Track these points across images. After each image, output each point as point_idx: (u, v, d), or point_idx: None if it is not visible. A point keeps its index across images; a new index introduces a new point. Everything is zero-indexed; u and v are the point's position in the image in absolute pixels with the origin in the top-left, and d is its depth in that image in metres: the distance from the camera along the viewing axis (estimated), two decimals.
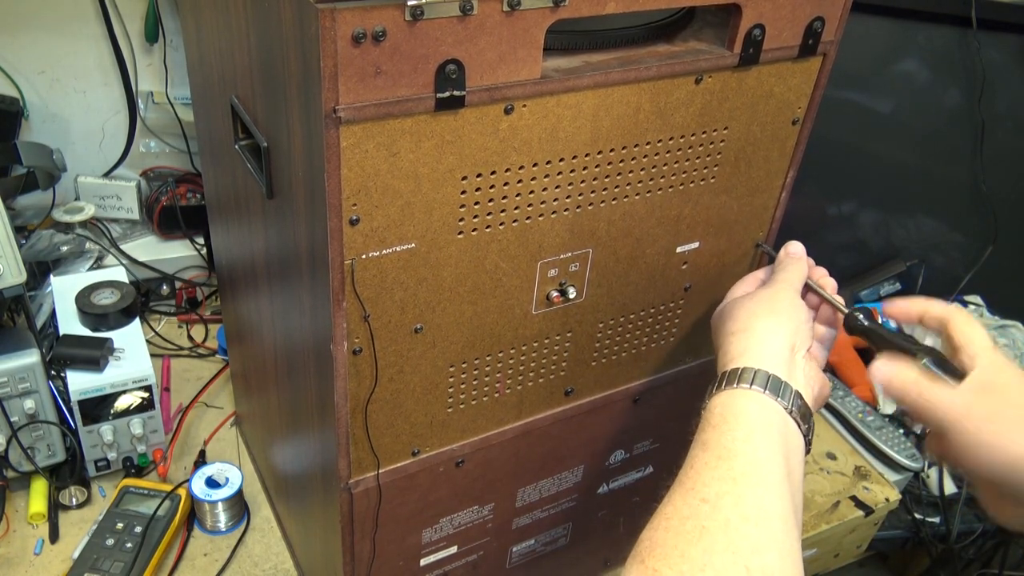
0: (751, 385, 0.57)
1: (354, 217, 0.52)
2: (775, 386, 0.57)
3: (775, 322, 0.61)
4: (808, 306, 0.67)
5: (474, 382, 0.66)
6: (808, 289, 0.67)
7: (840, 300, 0.66)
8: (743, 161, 0.68)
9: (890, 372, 0.60)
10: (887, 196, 1.32)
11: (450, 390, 0.65)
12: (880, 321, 0.65)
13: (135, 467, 0.96)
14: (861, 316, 0.64)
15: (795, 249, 0.69)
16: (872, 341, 0.64)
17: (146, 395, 0.93)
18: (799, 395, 0.58)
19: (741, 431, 0.54)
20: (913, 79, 1.24)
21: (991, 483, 0.59)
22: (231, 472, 0.93)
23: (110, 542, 0.86)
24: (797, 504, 0.53)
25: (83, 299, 0.98)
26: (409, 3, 0.46)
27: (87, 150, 1.26)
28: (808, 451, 0.58)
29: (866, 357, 1.25)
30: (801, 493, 0.55)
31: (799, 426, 0.57)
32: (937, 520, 1.12)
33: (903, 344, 0.61)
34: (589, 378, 0.73)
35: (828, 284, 0.67)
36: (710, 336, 0.68)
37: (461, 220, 0.57)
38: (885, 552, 1.22)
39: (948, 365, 0.59)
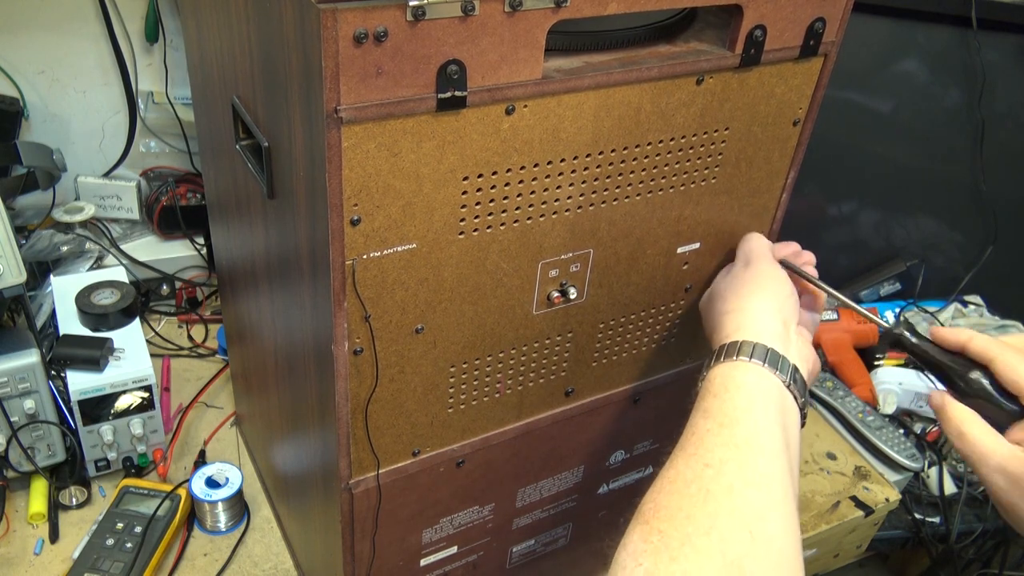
0: (751, 358, 0.57)
1: (355, 217, 0.52)
2: (773, 359, 0.57)
3: (763, 297, 0.62)
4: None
5: (474, 382, 0.66)
6: (795, 274, 0.68)
7: (829, 289, 0.67)
8: (744, 162, 0.68)
9: (942, 401, 0.59)
10: (887, 196, 1.33)
11: (450, 390, 0.65)
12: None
13: (135, 467, 0.96)
14: (907, 333, 0.62)
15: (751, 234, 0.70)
16: (919, 357, 0.62)
17: (146, 395, 0.93)
18: (796, 369, 0.58)
19: (742, 400, 0.55)
20: (913, 79, 1.24)
21: None
22: (231, 472, 0.93)
23: (110, 542, 0.86)
24: (795, 474, 0.54)
25: (83, 299, 0.98)
26: (411, 3, 0.46)
27: (87, 150, 1.26)
28: (803, 424, 0.59)
29: (866, 357, 1.25)
30: (798, 465, 0.56)
31: (796, 399, 0.58)
32: (937, 520, 1.12)
33: (953, 363, 0.59)
34: (589, 378, 0.73)
35: (809, 271, 0.69)
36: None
37: (462, 220, 0.57)
38: (885, 552, 1.22)
39: (1003, 389, 0.57)
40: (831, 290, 0.66)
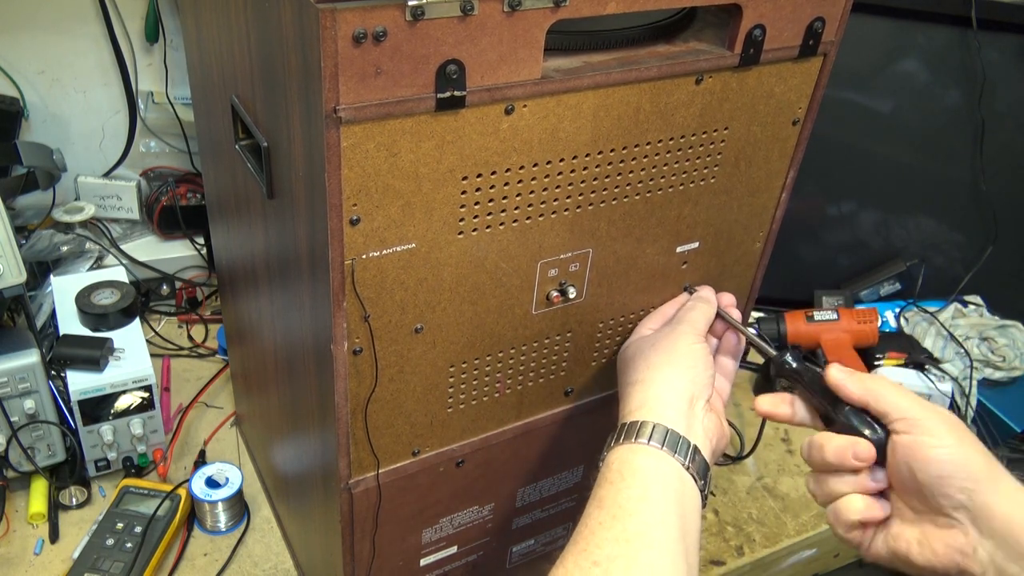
0: (648, 441, 0.56)
1: (354, 217, 0.52)
2: (673, 442, 0.56)
3: (673, 373, 0.61)
4: (712, 335, 0.68)
5: (474, 382, 0.66)
6: (719, 318, 0.68)
7: (750, 332, 0.67)
8: (743, 161, 0.68)
9: (823, 442, 0.58)
10: (887, 196, 1.33)
11: (450, 390, 0.65)
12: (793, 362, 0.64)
13: (135, 467, 0.96)
14: (791, 359, 0.63)
15: (706, 293, 0.69)
16: (799, 384, 0.63)
17: (146, 395, 0.93)
18: (697, 450, 0.57)
19: (636, 489, 0.54)
20: (913, 79, 1.24)
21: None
22: (231, 472, 0.93)
23: (110, 542, 0.86)
24: (692, 563, 0.53)
25: (83, 299, 0.98)
26: (410, 3, 0.46)
27: (87, 150, 1.26)
28: (705, 506, 0.58)
29: (866, 357, 1.25)
30: (697, 551, 0.55)
31: (696, 482, 0.57)
32: None
33: (828, 390, 0.60)
34: (589, 378, 0.73)
35: (735, 315, 0.68)
36: None
37: (461, 220, 0.57)
38: None
39: (869, 419, 0.58)
40: (753, 337, 0.67)
